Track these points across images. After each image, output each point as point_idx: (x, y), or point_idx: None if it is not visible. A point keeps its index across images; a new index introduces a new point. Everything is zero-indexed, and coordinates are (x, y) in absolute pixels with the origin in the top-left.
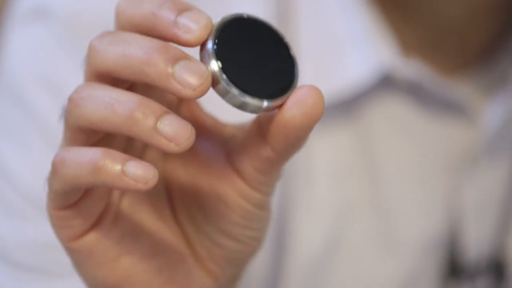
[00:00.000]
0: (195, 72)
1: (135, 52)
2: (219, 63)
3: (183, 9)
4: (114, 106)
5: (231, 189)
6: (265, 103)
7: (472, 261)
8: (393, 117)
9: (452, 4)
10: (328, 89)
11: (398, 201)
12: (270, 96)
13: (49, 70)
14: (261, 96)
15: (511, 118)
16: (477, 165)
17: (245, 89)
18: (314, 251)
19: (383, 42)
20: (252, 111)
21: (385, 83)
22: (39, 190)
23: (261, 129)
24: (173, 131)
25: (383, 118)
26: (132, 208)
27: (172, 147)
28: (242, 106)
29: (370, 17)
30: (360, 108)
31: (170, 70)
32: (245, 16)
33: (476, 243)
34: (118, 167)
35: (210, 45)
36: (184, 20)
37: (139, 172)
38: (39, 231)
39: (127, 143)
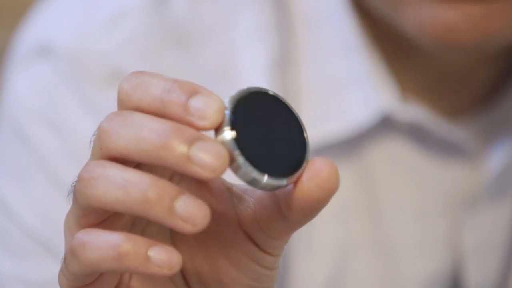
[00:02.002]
0: (213, 153)
1: (148, 136)
2: (238, 146)
3: (192, 93)
4: (127, 187)
5: (243, 254)
6: (281, 182)
7: None
8: (394, 157)
9: (452, 50)
10: (329, 129)
11: (400, 241)
12: (284, 174)
13: (51, 109)
14: (276, 174)
15: None
16: (478, 206)
17: (263, 169)
18: None
19: (383, 85)
20: (267, 189)
21: (386, 125)
22: (41, 228)
23: (275, 201)
24: (189, 212)
25: (384, 158)
26: (142, 281)
27: (188, 228)
28: (255, 184)
29: (371, 60)
30: (361, 148)
31: (187, 153)
32: (254, 90)
33: (479, 283)
34: (142, 253)
35: (228, 133)
36: (196, 105)
37: (163, 258)
38: (39, 270)
39: (135, 217)
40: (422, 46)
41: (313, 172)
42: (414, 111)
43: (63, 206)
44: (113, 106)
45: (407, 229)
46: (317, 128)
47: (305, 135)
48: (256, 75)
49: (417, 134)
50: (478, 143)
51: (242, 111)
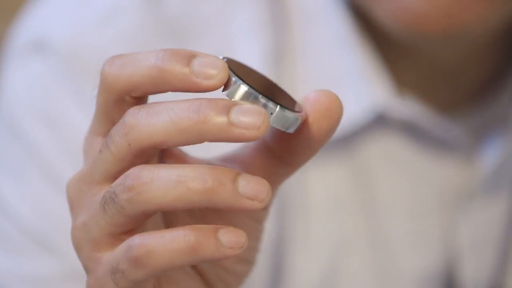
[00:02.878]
0: (254, 113)
1: (185, 115)
2: (260, 94)
3: (190, 57)
4: (187, 183)
5: (246, 217)
6: (302, 117)
7: None
8: (389, 153)
9: (447, 46)
10: None
11: (394, 236)
12: (297, 111)
13: (47, 105)
14: (293, 111)
15: (508, 156)
16: (472, 202)
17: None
18: (311, 285)
19: (378, 81)
20: (292, 128)
21: (380, 121)
22: (37, 224)
23: (265, 156)
24: (253, 189)
25: (379, 154)
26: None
27: (256, 205)
28: (288, 125)
29: (366, 56)
30: (355, 144)
31: (228, 120)
32: (229, 58)
33: (473, 280)
34: (213, 240)
35: (240, 81)
36: (199, 67)
37: (233, 239)
38: (36, 266)
39: None
40: (398, 37)
41: (318, 104)
42: (408, 107)
43: (58, 201)
44: None
45: (401, 225)
46: None
47: (282, 88)
48: None
49: (411, 131)
50: (473, 139)
51: (234, 70)
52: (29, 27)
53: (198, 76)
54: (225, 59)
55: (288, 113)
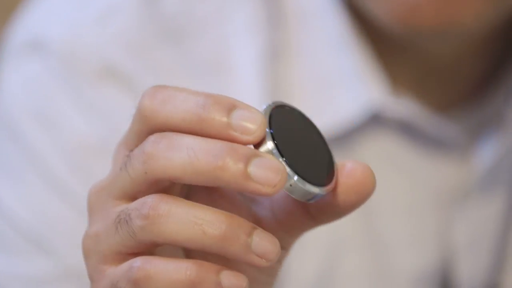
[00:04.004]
0: (272, 169)
1: (203, 158)
2: (283, 158)
3: (231, 107)
4: (203, 227)
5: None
6: (323, 192)
7: None
8: (384, 153)
9: (443, 43)
10: (319, 125)
11: (390, 236)
12: (323, 182)
13: (43, 105)
14: (317, 184)
15: (503, 155)
16: (468, 201)
17: (310, 181)
18: (306, 285)
19: (374, 80)
20: (311, 199)
21: (376, 121)
22: (33, 224)
23: (300, 204)
24: (264, 248)
25: (375, 154)
26: None
27: (263, 263)
28: (305, 196)
29: (361, 55)
30: (351, 144)
31: (245, 171)
32: (281, 104)
33: (469, 279)
34: (213, 280)
35: (271, 144)
36: (238, 120)
37: (234, 282)
38: (31, 266)
39: None
40: (394, 34)
41: (351, 178)
42: (404, 106)
43: (54, 202)
44: (104, 101)
45: (397, 224)
46: None
47: (326, 142)
48: (248, 70)
49: (407, 130)
50: (468, 138)
51: (274, 124)
52: (26, 26)
53: (236, 130)
54: (275, 105)
55: (308, 186)
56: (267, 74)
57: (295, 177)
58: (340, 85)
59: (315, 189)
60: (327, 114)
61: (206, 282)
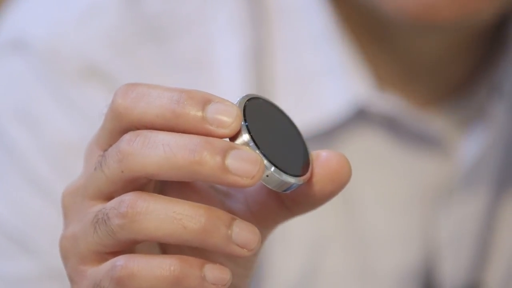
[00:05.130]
0: (250, 160)
1: (180, 153)
2: (259, 149)
3: (206, 102)
4: (183, 221)
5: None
6: (300, 182)
7: None
8: (369, 149)
9: (428, 38)
10: (304, 121)
11: (374, 233)
12: (298, 173)
13: (25, 104)
14: (293, 174)
15: (487, 151)
16: (452, 197)
17: (286, 171)
18: (290, 283)
19: (359, 75)
20: (288, 190)
21: (361, 117)
22: (15, 224)
23: (274, 196)
24: (245, 238)
25: (359, 151)
26: None
27: (244, 253)
28: (281, 187)
29: (346, 50)
30: (335, 140)
31: (223, 164)
32: (254, 96)
33: (452, 275)
34: (197, 274)
35: (247, 136)
36: (213, 114)
37: (218, 275)
38: (14, 266)
39: None
40: (398, 28)
41: (326, 167)
42: (389, 102)
43: (36, 201)
44: (87, 100)
45: (381, 221)
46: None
47: (300, 133)
48: (231, 68)
49: (392, 126)
50: (452, 134)
51: (249, 117)
52: (8, 26)
53: (212, 124)
54: (248, 97)
55: (284, 177)
56: (251, 72)
57: (272, 168)
58: (324, 81)
59: (291, 179)
60: (312, 110)
61: (190, 277)
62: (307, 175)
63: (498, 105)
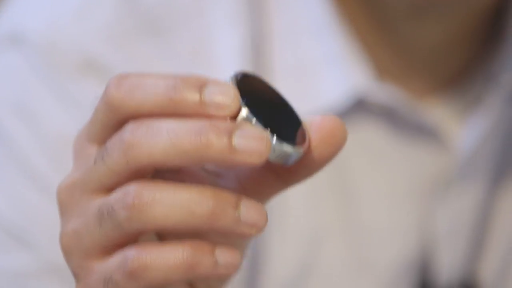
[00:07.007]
0: (257, 138)
1: (186, 138)
2: (262, 124)
3: (201, 85)
4: (190, 207)
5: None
6: (302, 151)
7: (444, 285)
8: (366, 141)
9: (426, 27)
10: (302, 110)
11: (371, 225)
12: (300, 143)
13: (23, 98)
14: (295, 144)
15: (483, 141)
16: (449, 189)
17: (288, 143)
18: (288, 275)
19: (358, 65)
20: (290, 161)
21: (359, 107)
22: (13, 218)
23: (267, 170)
24: (253, 217)
25: (356, 142)
26: None
27: (253, 232)
28: (285, 159)
29: (345, 40)
30: None
31: (231, 144)
32: (244, 73)
33: (448, 267)
34: (210, 259)
35: (249, 114)
36: (211, 96)
37: (229, 259)
38: (13, 261)
39: None
40: (397, 16)
41: (322, 131)
42: (388, 92)
43: (34, 195)
44: (84, 94)
45: (378, 213)
46: None
47: (290, 104)
48: (230, 59)
49: (390, 117)
50: (451, 124)
51: (244, 94)
52: (5, 20)
53: (211, 106)
54: (239, 75)
55: (289, 149)
56: (249, 63)
57: (277, 141)
58: (323, 71)
59: (297, 150)
60: (310, 100)
61: (203, 263)
62: (306, 143)
63: (495, 96)
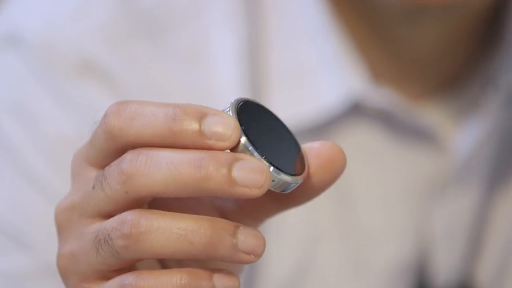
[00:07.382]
0: (256, 170)
1: (185, 170)
2: (263, 157)
3: (201, 116)
4: (188, 237)
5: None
6: (300, 181)
7: (441, 287)
8: (363, 144)
9: (422, 30)
10: (298, 115)
11: (368, 227)
12: (297, 171)
13: (20, 99)
14: (295, 174)
15: (480, 145)
16: (446, 191)
17: (288, 172)
18: (285, 276)
19: (354, 69)
20: (289, 189)
21: (355, 110)
22: (11, 220)
23: (270, 194)
24: (250, 245)
25: (353, 145)
26: None
27: (251, 259)
28: (284, 188)
29: (341, 44)
30: (330, 134)
31: (230, 177)
32: (244, 100)
33: (445, 269)
34: (208, 286)
35: (249, 145)
36: (211, 128)
37: (227, 284)
38: (11, 262)
39: None
40: (393, 20)
41: (321, 157)
42: (384, 95)
43: (32, 197)
44: (82, 95)
45: (375, 215)
46: (287, 113)
47: (290, 130)
48: (227, 61)
49: (386, 121)
50: (447, 127)
51: (244, 123)
52: (2, 21)
53: (211, 138)
54: (241, 102)
55: (289, 179)
56: (246, 65)
57: (276, 172)
58: (319, 74)
59: (296, 179)
60: (306, 104)
61: None
62: (306, 171)
63: (493, 99)
